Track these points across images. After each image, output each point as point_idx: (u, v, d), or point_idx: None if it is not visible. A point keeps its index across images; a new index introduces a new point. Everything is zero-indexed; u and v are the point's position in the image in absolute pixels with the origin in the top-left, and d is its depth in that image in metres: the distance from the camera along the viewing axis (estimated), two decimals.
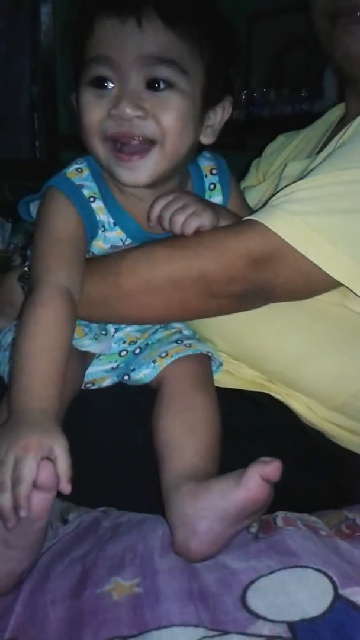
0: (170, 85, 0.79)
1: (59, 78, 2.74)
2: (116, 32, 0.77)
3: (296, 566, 0.66)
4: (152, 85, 0.78)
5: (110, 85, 0.79)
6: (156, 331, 0.93)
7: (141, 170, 0.81)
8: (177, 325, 0.94)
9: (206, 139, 0.87)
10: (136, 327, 0.93)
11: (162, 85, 0.78)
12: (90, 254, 0.89)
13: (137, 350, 0.92)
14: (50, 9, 2.73)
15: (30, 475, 0.64)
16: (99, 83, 0.79)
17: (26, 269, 0.92)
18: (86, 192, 0.86)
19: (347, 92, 1.07)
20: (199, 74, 0.81)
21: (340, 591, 0.62)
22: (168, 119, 0.79)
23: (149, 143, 0.80)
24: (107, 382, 0.92)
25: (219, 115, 0.87)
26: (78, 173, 0.87)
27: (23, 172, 2.58)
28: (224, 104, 0.87)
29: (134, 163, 0.80)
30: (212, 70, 0.82)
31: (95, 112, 0.80)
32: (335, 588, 0.62)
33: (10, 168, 2.62)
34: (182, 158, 0.84)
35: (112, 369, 0.92)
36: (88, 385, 0.91)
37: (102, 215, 0.86)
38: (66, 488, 0.66)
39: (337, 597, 0.61)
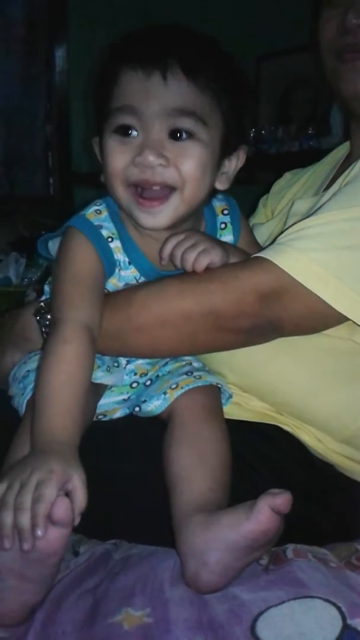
0: (191, 135, 0.83)
1: (72, 118, 2.81)
2: (142, 84, 0.81)
3: (305, 597, 0.66)
4: (174, 135, 0.82)
5: (135, 133, 0.83)
6: (166, 363, 0.95)
7: (161, 215, 0.85)
8: (187, 357, 0.96)
9: (221, 185, 0.91)
10: (147, 359, 0.95)
11: (183, 136, 0.83)
12: (105, 290, 0.91)
13: (148, 382, 0.94)
14: (64, 52, 2.82)
15: (51, 495, 0.66)
16: (124, 131, 0.83)
17: (42, 304, 0.94)
18: (105, 233, 0.89)
19: (352, 129, 1.10)
20: (218, 125, 0.85)
21: (349, 621, 0.62)
22: (188, 167, 0.83)
23: (169, 189, 0.84)
24: (118, 414, 0.93)
25: (234, 163, 0.91)
26: (97, 214, 0.90)
27: (37, 208, 2.63)
28: (238, 153, 0.91)
29: (154, 208, 0.84)
30: (229, 121, 0.86)
31: (119, 159, 0.84)
32: (343, 618, 0.63)
33: (25, 204, 2.68)
34: (199, 203, 0.88)
35: (124, 400, 0.94)
36: (100, 417, 0.92)
37: (119, 254, 0.90)
38: (76, 519, 0.68)
39: (346, 627, 0.62)
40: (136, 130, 0.83)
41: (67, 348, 0.80)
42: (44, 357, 0.80)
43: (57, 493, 0.66)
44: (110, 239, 0.89)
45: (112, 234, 0.89)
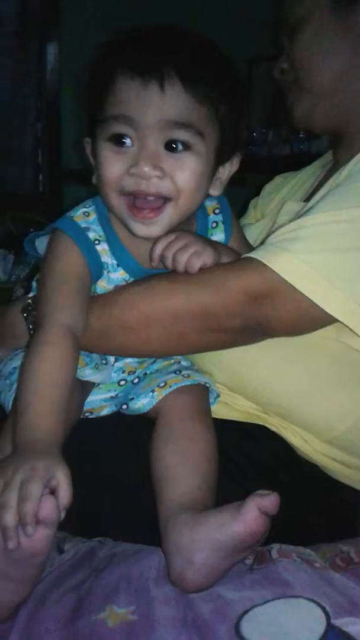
0: (187, 146, 0.82)
1: (62, 115, 2.80)
2: (138, 93, 0.80)
3: (290, 596, 0.66)
4: (169, 146, 0.81)
5: (129, 143, 0.82)
6: (155, 361, 0.95)
7: (155, 225, 0.84)
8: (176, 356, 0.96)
9: (214, 191, 0.91)
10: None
11: (179, 147, 0.82)
12: (95, 293, 0.91)
13: (136, 380, 0.94)
14: (56, 49, 2.82)
15: (37, 493, 0.65)
16: (118, 140, 0.82)
17: (29, 300, 0.94)
18: (91, 235, 0.88)
19: (333, 142, 1.11)
20: (214, 136, 0.84)
21: (333, 621, 0.62)
22: (184, 178, 0.83)
23: (164, 199, 0.83)
24: (105, 411, 0.93)
25: (227, 170, 0.91)
26: (85, 216, 0.90)
27: (26, 204, 2.62)
28: (232, 160, 0.91)
29: (149, 219, 0.84)
30: (225, 130, 0.86)
31: (114, 168, 0.82)
32: (328, 618, 0.63)
33: (14, 200, 2.67)
34: (193, 211, 0.88)
35: (111, 398, 0.93)
36: (86, 414, 0.92)
37: (106, 257, 0.89)
38: (61, 515, 0.67)
39: (330, 627, 0.62)
40: (131, 140, 0.82)
41: (50, 350, 0.79)
42: (27, 358, 0.80)
43: (42, 491, 0.66)
44: (97, 242, 0.88)
45: (100, 236, 0.89)
